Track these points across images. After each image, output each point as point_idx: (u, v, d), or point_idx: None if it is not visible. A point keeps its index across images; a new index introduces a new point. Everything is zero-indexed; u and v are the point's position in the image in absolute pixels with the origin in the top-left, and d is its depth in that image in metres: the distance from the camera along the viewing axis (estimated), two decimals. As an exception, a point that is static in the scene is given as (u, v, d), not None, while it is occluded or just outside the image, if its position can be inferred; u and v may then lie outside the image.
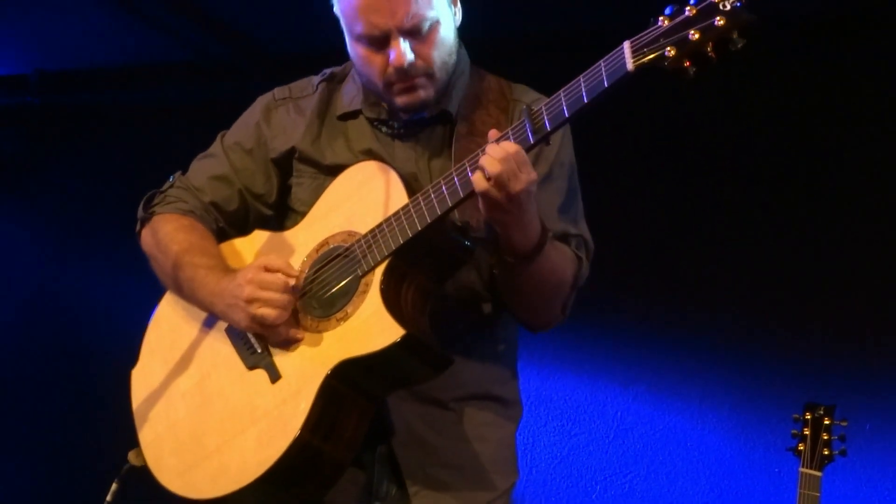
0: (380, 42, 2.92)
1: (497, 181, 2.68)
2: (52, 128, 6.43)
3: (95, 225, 6.21)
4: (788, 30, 4.90)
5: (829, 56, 5.10)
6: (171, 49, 5.97)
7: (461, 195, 2.76)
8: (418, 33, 2.90)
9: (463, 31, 3.04)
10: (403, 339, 2.73)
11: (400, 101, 2.98)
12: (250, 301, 2.86)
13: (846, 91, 5.11)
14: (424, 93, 2.96)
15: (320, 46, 5.21)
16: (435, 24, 2.92)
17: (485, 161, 2.70)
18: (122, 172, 6.15)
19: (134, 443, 3.09)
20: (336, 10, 2.99)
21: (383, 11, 2.88)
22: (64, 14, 5.70)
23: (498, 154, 2.69)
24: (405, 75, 2.93)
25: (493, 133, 2.76)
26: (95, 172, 6.32)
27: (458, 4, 3.02)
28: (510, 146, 2.70)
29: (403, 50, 2.89)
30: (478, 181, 2.71)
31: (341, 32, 3.03)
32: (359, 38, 2.95)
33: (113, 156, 6.28)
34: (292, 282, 2.88)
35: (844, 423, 4.19)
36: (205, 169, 3.19)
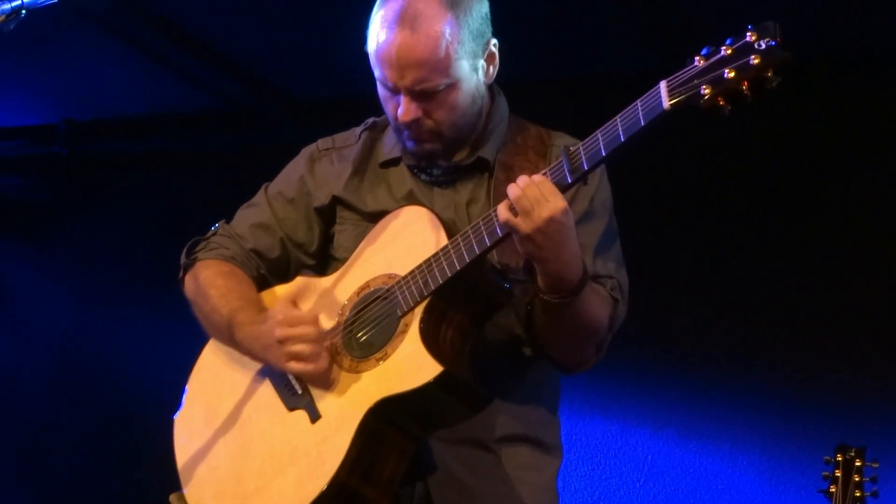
0: (393, 91, 2.94)
1: (520, 208, 2.69)
2: (80, 177, 6.47)
3: (123, 274, 6.24)
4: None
5: (860, 93, 5.11)
6: (197, 98, 6.02)
7: (499, 235, 2.76)
8: (428, 97, 2.91)
9: (498, 78, 3.04)
10: (441, 375, 2.73)
11: (409, 146, 3.02)
12: (283, 340, 2.88)
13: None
14: (431, 146, 2.99)
15: (347, 93, 5.29)
16: (448, 88, 2.92)
17: (509, 188, 2.72)
18: (150, 222, 6.19)
19: (173, 488, 3.10)
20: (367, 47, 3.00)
21: (394, 69, 2.89)
22: (91, 64, 5.76)
23: (522, 181, 2.70)
24: (410, 129, 2.96)
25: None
26: (123, 222, 6.35)
27: (496, 59, 3.02)
28: (538, 176, 2.71)
29: (407, 109, 2.92)
30: (501, 210, 2.73)
31: (369, 77, 3.04)
32: (378, 80, 2.98)
33: (140, 205, 6.31)
34: (319, 318, 2.89)
35: (876, 465, 4.15)
36: (248, 217, 3.22)
